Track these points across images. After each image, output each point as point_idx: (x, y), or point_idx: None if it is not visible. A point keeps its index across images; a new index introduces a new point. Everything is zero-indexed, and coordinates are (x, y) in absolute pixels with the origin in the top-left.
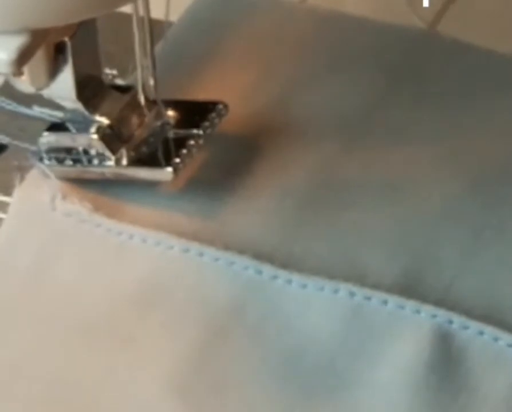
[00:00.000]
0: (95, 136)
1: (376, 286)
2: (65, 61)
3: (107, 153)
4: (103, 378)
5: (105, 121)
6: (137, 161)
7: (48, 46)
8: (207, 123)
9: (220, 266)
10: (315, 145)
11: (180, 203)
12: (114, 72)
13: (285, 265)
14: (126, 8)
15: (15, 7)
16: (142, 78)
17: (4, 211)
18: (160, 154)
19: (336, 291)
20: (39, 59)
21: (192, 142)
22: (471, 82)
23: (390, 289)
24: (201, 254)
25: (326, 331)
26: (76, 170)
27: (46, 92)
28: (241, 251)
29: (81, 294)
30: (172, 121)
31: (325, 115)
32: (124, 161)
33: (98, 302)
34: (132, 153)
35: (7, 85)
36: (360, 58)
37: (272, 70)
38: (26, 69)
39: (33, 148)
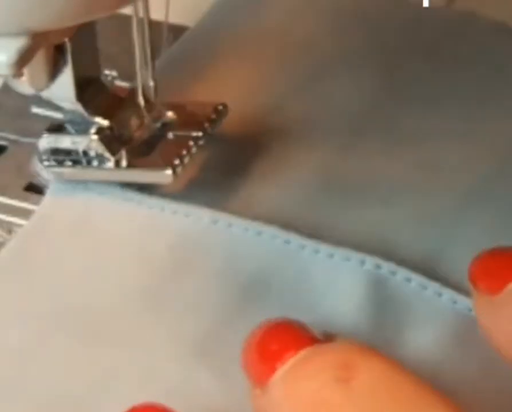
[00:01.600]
0: (95, 137)
1: (402, 262)
2: (64, 62)
3: (107, 154)
4: (134, 334)
5: (104, 122)
6: (137, 163)
7: (48, 47)
8: (206, 125)
9: (248, 236)
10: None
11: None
12: (114, 73)
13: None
14: (126, 10)
15: (16, 9)
16: (141, 79)
17: (2, 211)
18: (160, 156)
19: (363, 262)
20: (39, 60)
21: (191, 143)
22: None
23: (415, 267)
24: (229, 225)
25: (351, 301)
26: (75, 172)
27: (46, 94)
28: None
29: (112, 263)
30: (171, 122)
31: (327, 112)
32: (124, 163)
33: (128, 270)
34: (132, 155)
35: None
36: (361, 55)
37: (274, 70)
38: (25, 70)
39: (33, 149)
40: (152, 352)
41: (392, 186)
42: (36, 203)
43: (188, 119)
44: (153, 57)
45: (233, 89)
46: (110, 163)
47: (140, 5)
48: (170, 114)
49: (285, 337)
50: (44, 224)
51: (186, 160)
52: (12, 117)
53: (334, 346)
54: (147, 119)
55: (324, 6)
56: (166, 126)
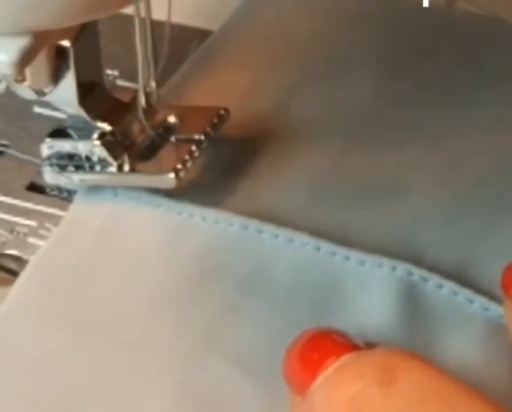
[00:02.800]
0: (97, 142)
1: (433, 268)
2: (67, 67)
3: (110, 159)
4: (170, 339)
5: (107, 127)
6: (139, 167)
7: (50, 51)
8: (208, 129)
9: (279, 242)
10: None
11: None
12: (115, 73)
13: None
14: (128, 10)
15: (17, 9)
16: (144, 81)
17: (4, 211)
18: (162, 160)
19: (394, 269)
20: (41, 64)
21: (194, 147)
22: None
23: (446, 273)
24: (260, 231)
25: (383, 308)
26: (78, 177)
27: (48, 99)
28: None
29: (143, 268)
30: (174, 127)
31: (328, 114)
32: (126, 167)
33: (156, 277)
34: (134, 159)
35: None
36: (361, 55)
37: (273, 71)
38: (27, 75)
39: (34, 149)
40: (183, 359)
41: (409, 188)
42: (38, 203)
43: (190, 123)
44: (155, 58)
45: (235, 90)
46: (113, 168)
47: (142, 5)
48: (172, 118)
49: (326, 345)
50: (72, 230)
51: (188, 164)
52: (14, 116)
53: (374, 352)
54: (149, 124)
55: (324, 7)
56: (169, 130)
